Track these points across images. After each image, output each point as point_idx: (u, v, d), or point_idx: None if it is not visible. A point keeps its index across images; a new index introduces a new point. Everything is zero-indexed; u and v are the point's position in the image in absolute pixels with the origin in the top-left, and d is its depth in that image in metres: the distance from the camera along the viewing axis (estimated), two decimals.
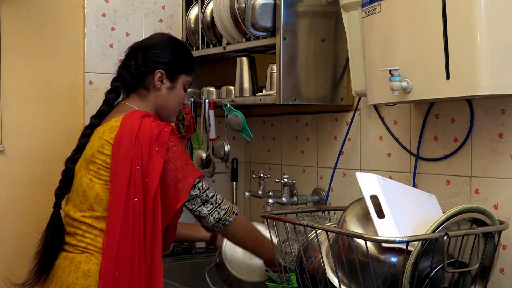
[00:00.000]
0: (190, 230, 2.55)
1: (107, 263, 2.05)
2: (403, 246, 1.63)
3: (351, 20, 2.22)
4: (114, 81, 2.29)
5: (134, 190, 2.08)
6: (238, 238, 2.31)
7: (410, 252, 1.63)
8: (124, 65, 2.30)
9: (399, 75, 1.83)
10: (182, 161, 2.14)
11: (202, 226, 2.23)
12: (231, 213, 2.21)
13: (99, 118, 2.24)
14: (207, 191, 2.18)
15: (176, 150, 2.14)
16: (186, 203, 2.16)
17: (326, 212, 2.33)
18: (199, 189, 2.16)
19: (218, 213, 2.18)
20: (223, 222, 2.19)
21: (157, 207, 2.10)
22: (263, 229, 2.44)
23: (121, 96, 2.31)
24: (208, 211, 2.17)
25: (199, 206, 2.17)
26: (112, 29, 2.78)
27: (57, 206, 2.23)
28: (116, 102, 2.29)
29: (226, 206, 2.21)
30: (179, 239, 2.52)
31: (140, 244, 2.08)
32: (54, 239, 2.18)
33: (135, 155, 2.09)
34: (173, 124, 2.30)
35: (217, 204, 2.19)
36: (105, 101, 2.27)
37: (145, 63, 2.26)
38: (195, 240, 2.63)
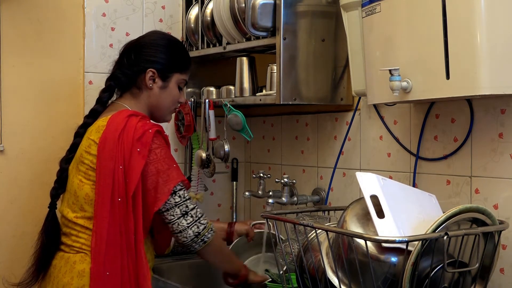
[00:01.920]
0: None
1: (96, 263, 2.05)
2: (403, 246, 1.63)
3: (351, 20, 2.22)
4: (107, 80, 2.28)
5: (118, 190, 2.06)
6: (213, 254, 2.23)
7: (410, 252, 1.63)
8: (118, 64, 2.29)
9: (399, 75, 1.83)
10: (164, 164, 2.09)
11: (179, 242, 2.14)
12: (210, 230, 2.14)
13: (92, 117, 2.23)
14: (188, 202, 2.11)
15: (159, 153, 2.10)
16: (165, 213, 2.10)
17: (326, 212, 2.33)
18: (179, 196, 2.10)
19: (198, 227, 2.11)
20: (202, 238, 2.12)
21: (138, 208, 2.06)
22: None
23: (115, 95, 2.30)
24: (188, 224, 2.09)
25: (178, 218, 2.09)
26: (112, 29, 2.78)
27: (52, 206, 2.23)
28: (110, 101, 2.29)
29: (205, 221, 2.13)
30: None
31: (128, 244, 2.06)
32: (50, 239, 2.18)
33: (118, 155, 2.07)
34: (160, 124, 2.23)
35: (197, 218, 2.11)
36: (98, 100, 2.26)
37: (137, 62, 2.24)
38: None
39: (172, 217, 2.10)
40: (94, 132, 2.14)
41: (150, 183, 2.08)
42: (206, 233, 2.13)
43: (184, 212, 2.10)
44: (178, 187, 2.10)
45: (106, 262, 2.04)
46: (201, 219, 2.13)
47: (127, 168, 2.06)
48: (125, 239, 2.06)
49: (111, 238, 2.05)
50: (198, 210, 2.14)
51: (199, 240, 2.12)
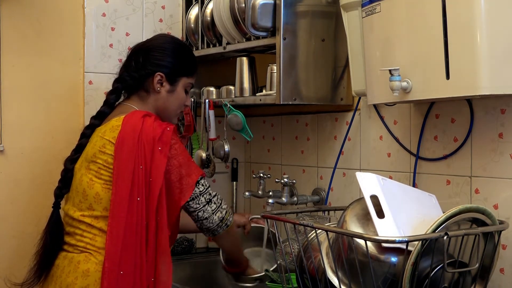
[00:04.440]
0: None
1: (111, 263, 2.05)
2: (403, 246, 1.63)
3: (351, 20, 2.22)
4: (115, 82, 2.30)
5: (137, 189, 2.08)
6: (229, 245, 2.33)
7: (410, 252, 1.63)
8: (125, 67, 2.31)
9: (399, 75, 1.83)
10: (184, 158, 2.16)
11: (203, 229, 2.21)
12: (230, 213, 2.23)
13: (99, 118, 2.24)
14: (210, 189, 2.19)
15: (178, 148, 2.15)
16: (190, 202, 2.15)
17: (326, 212, 2.33)
18: (203, 185, 2.17)
19: (221, 212, 2.19)
20: (225, 222, 2.20)
21: (162, 206, 2.10)
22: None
23: (122, 97, 2.31)
24: (213, 210, 2.18)
25: (204, 206, 2.17)
26: (112, 29, 2.78)
27: (56, 206, 2.23)
28: (117, 103, 2.30)
29: (226, 205, 2.22)
30: (188, 230, 2.51)
31: (142, 244, 2.07)
32: (53, 239, 2.18)
33: (138, 155, 2.09)
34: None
35: (219, 204, 2.20)
36: (105, 102, 2.28)
37: (145, 66, 2.26)
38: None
39: (198, 205, 2.17)
40: (109, 132, 2.15)
41: (175, 176, 2.13)
42: (228, 217, 2.22)
43: (208, 200, 2.18)
44: (200, 177, 2.18)
45: (122, 261, 2.05)
46: (222, 204, 2.22)
47: (149, 168, 2.09)
48: (139, 239, 2.08)
49: (127, 238, 2.06)
50: (219, 196, 2.22)
51: (223, 225, 2.21)
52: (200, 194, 2.16)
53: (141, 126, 2.12)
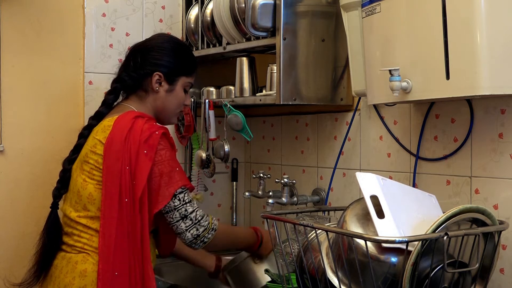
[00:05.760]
0: (198, 254, 2.46)
1: (105, 263, 2.04)
2: (403, 246, 1.63)
3: (351, 20, 2.22)
4: (113, 82, 2.29)
5: (125, 190, 2.06)
6: (218, 247, 2.30)
7: (410, 252, 1.63)
8: (124, 66, 2.30)
9: (399, 75, 1.83)
10: (167, 166, 2.09)
11: (182, 242, 2.16)
12: (210, 230, 2.13)
13: (97, 119, 2.23)
14: (187, 205, 2.11)
15: (164, 154, 2.10)
16: (166, 215, 2.11)
17: (326, 212, 2.33)
18: (179, 200, 2.09)
19: (197, 229, 2.11)
20: (202, 239, 2.12)
21: (144, 210, 2.07)
22: None
23: (121, 97, 2.31)
24: (186, 227, 2.10)
25: (177, 221, 2.10)
26: (112, 29, 2.78)
27: (54, 206, 2.23)
28: (116, 103, 2.29)
29: (206, 223, 2.13)
30: (184, 258, 2.49)
31: (135, 244, 2.07)
32: (51, 239, 2.18)
33: (125, 156, 2.07)
34: (168, 127, 2.26)
35: (196, 221, 2.11)
36: (103, 102, 2.27)
37: (143, 66, 2.25)
38: (199, 265, 2.51)
39: (172, 220, 2.11)
40: (100, 132, 2.14)
41: (153, 184, 2.09)
42: (206, 234, 2.13)
43: (183, 216, 2.10)
44: (179, 190, 2.10)
45: (115, 262, 2.05)
46: (202, 221, 2.12)
47: (134, 170, 2.07)
48: (132, 240, 2.07)
49: (119, 238, 2.05)
50: (198, 212, 2.13)
51: (199, 241, 2.13)
52: (175, 209, 2.09)
53: (130, 127, 2.10)
